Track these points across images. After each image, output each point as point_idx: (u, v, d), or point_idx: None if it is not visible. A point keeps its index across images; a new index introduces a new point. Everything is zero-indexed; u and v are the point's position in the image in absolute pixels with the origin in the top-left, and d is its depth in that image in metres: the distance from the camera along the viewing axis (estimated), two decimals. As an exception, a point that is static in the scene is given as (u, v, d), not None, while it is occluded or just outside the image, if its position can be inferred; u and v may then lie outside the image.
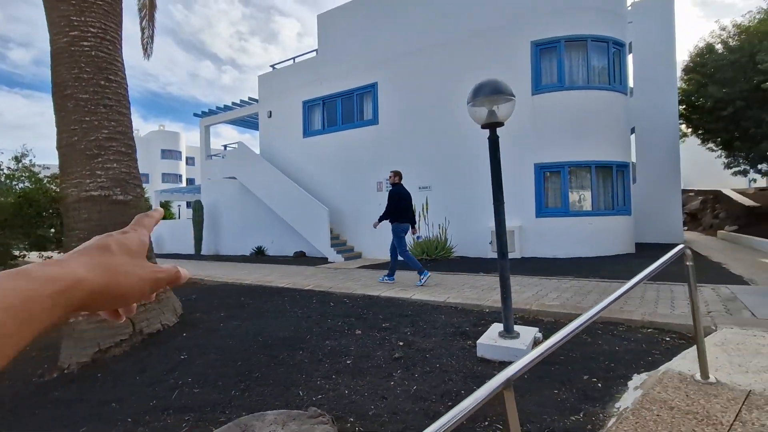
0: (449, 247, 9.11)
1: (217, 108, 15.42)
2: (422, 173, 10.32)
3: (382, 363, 3.34)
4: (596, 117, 8.94)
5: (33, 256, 9.41)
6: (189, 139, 52.85)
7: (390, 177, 6.66)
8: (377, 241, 10.56)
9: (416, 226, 6.66)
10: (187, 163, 48.83)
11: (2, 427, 3.17)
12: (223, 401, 2.96)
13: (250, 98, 14.69)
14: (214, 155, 16.06)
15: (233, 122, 16.34)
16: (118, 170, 4.32)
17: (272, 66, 14.08)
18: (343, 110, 12.10)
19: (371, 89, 11.38)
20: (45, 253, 7.95)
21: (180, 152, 48.00)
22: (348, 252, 11.09)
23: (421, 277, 6.12)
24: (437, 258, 8.91)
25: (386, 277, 6.57)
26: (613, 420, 2.24)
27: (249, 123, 16.68)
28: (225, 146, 16.71)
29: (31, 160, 7.40)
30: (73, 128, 4.15)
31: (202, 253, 14.69)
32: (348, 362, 3.38)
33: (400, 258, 6.37)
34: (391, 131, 10.99)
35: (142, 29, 6.25)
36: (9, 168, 6.92)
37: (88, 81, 4.18)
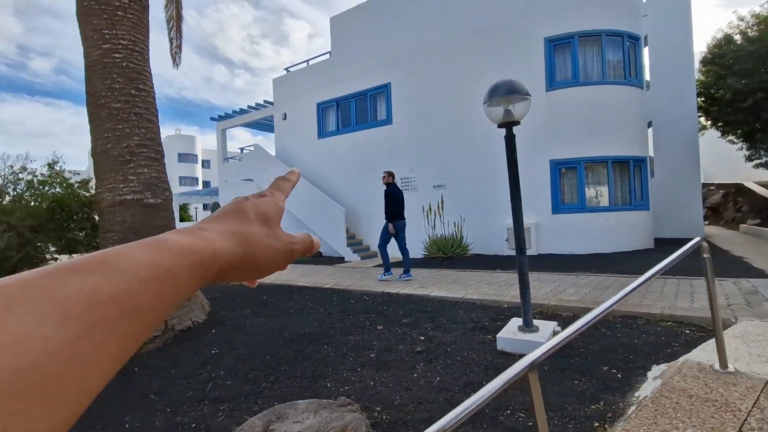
0: (465, 245, 9.18)
1: (234, 111, 15.75)
2: (437, 171, 10.40)
3: (404, 356, 3.46)
4: (612, 112, 8.88)
5: (64, 258, 9.83)
6: (204, 142, 53.89)
7: (384, 177, 6.88)
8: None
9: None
10: (203, 166, 49.79)
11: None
12: (255, 392, 3.12)
13: (265, 101, 14.96)
14: (231, 158, 16.41)
15: (249, 125, 16.66)
16: (149, 175, 4.54)
17: (286, 69, 14.32)
18: (356, 111, 12.26)
19: (384, 89, 11.50)
20: (75, 256, 8.29)
21: (196, 155, 48.98)
22: (364, 251, 11.24)
23: (385, 274, 6.78)
24: (453, 255, 8.99)
25: (404, 275, 6.70)
26: (633, 408, 2.32)
27: (264, 125, 16.98)
28: (242, 149, 17.05)
29: (61, 167, 7.73)
30: (106, 136, 4.37)
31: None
32: (372, 356, 3.51)
33: (397, 251, 6.81)
34: (404, 130, 11.09)
35: (171, 39, 6.51)
36: (42, 174, 7.23)
37: (119, 91, 4.40)
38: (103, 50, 4.36)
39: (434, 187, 10.31)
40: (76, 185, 7.34)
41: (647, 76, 11.63)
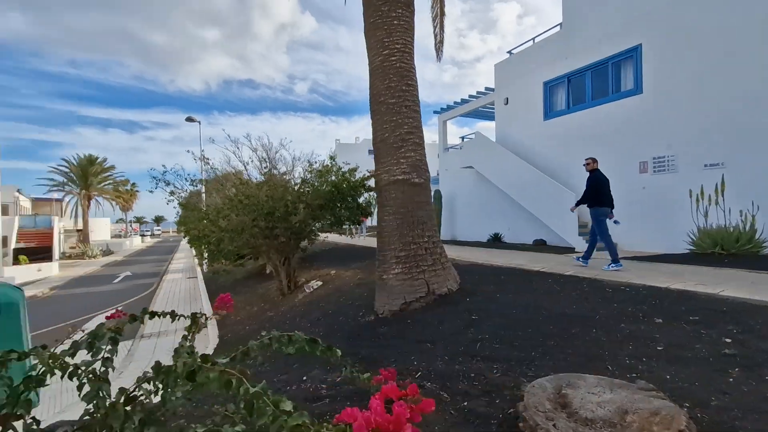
0: (758, 240, 6.95)
1: (455, 103, 16.55)
2: (708, 147, 8.20)
3: (707, 356, 2.90)
4: None
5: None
6: (419, 137, 58.72)
7: (587, 164, 7.07)
8: (634, 231, 9.17)
9: (613, 210, 6.86)
10: (418, 159, 54.57)
11: (354, 347, 4.38)
12: (526, 359, 3.21)
13: (486, 89, 15.11)
14: (451, 147, 17.35)
15: (467, 114, 17.18)
16: (414, 158, 5.25)
17: (509, 51, 14.02)
18: (592, 84, 10.90)
19: (632, 54, 9.78)
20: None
21: (413, 149, 54.06)
22: (599, 241, 10.00)
23: (613, 265, 6.30)
24: (737, 253, 6.95)
25: (581, 259, 6.97)
26: None
27: (481, 114, 17.20)
28: (463, 138, 17.80)
29: (335, 160, 9.87)
30: (384, 127, 5.28)
31: (441, 237, 16.18)
32: (659, 348, 3.08)
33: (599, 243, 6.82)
34: (660, 100, 9.18)
35: (435, 35, 7.37)
36: (326, 165, 9.42)
37: (394, 88, 5.23)
38: (383, 56, 5.27)
39: (705, 166, 8.17)
40: (347, 173, 9.29)
41: None
